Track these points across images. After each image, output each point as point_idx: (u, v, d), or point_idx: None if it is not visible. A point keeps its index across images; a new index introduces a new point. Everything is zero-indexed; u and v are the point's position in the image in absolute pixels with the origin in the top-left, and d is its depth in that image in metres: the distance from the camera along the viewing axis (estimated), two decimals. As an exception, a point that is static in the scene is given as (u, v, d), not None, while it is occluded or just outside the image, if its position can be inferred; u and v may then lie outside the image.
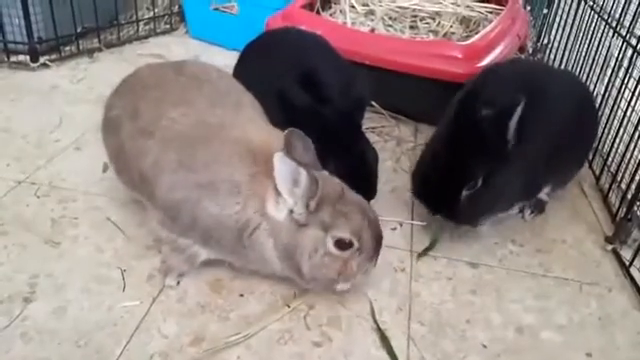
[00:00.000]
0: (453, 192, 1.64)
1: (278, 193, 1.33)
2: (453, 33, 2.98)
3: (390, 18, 3.07)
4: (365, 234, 1.38)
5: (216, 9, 3.19)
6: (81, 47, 2.94)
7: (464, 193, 1.63)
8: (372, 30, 2.92)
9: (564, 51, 2.79)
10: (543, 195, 1.95)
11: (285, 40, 2.17)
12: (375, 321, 1.48)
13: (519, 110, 1.58)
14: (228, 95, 1.59)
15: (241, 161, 1.39)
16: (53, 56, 2.84)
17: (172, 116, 1.48)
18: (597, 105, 2.17)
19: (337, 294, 1.50)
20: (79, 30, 2.93)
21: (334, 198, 1.36)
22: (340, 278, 1.41)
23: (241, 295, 1.52)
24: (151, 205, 1.52)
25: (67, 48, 2.91)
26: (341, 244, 1.36)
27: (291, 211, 1.35)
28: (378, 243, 1.43)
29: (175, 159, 1.43)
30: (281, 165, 1.29)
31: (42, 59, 2.78)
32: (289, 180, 1.31)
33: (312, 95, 1.74)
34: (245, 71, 2.04)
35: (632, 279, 1.68)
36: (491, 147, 1.61)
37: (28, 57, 2.75)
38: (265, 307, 1.49)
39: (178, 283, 1.55)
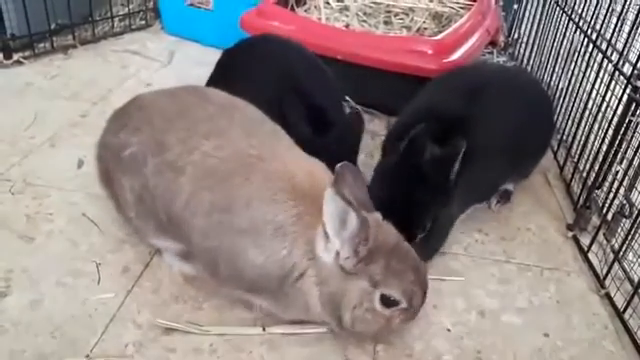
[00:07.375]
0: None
1: (327, 234, 1.23)
2: (426, 29, 3.04)
3: (364, 14, 3.12)
4: (415, 294, 1.29)
5: (191, 5, 3.21)
6: (55, 44, 2.93)
7: (418, 238, 1.59)
8: (347, 26, 2.96)
9: (532, 46, 2.87)
10: (509, 185, 2.03)
11: (270, 53, 2.04)
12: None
13: (460, 157, 1.58)
14: (262, 123, 1.47)
15: (286, 199, 1.28)
16: (27, 53, 2.82)
17: (205, 149, 1.35)
18: (558, 98, 2.24)
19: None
20: (53, 27, 2.92)
21: (388, 250, 1.26)
22: (380, 332, 1.34)
23: (214, 286, 1.56)
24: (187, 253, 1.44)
25: (41, 45, 2.90)
26: (388, 302, 1.27)
27: (337, 254, 1.25)
28: (423, 301, 1.34)
29: (208, 200, 1.31)
30: (330, 203, 1.18)
31: (15, 56, 2.77)
32: (337, 220, 1.20)
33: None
34: (229, 82, 1.86)
35: (590, 264, 1.77)
36: (436, 191, 1.60)
37: (1, 54, 2.74)
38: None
39: None
